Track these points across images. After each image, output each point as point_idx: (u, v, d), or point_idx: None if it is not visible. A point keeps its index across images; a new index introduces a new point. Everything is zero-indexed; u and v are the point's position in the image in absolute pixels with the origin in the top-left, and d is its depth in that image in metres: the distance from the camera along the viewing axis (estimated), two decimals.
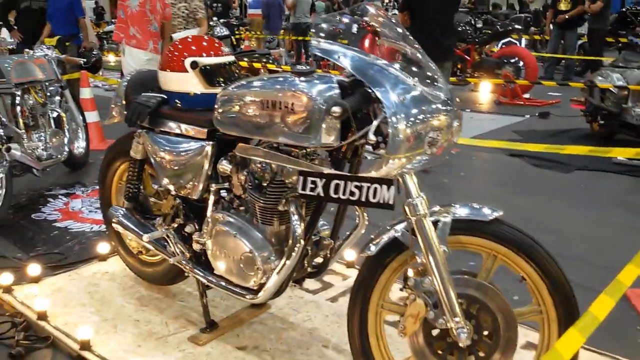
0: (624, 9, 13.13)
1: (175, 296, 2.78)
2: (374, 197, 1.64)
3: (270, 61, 7.99)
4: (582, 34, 10.66)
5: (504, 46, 9.79)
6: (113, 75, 9.27)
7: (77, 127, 4.91)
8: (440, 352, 1.83)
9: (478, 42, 8.93)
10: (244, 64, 7.19)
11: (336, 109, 1.61)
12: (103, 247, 3.14)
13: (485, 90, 8.63)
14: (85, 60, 5.50)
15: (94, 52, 6.24)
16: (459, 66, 8.83)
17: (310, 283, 2.77)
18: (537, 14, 14.90)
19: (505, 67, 8.47)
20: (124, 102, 2.53)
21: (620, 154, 3.11)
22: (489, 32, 9.43)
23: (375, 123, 1.63)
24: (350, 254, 2.98)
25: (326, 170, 1.78)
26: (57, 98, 4.61)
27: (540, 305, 1.78)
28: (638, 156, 3.03)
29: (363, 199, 1.66)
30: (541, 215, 4.01)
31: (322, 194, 1.71)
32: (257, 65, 7.11)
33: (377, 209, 1.64)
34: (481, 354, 1.80)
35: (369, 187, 1.64)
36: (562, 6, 9.56)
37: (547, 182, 4.87)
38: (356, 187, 1.66)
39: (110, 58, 12.37)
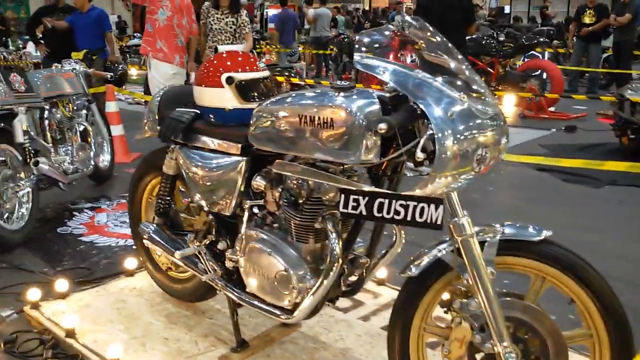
0: None
1: (204, 313, 2.73)
2: (421, 216, 1.58)
3: (293, 74, 8.01)
4: (605, 47, 10.52)
5: (527, 59, 9.70)
6: (136, 89, 9.32)
7: (102, 140, 4.93)
8: None
9: (502, 55, 8.85)
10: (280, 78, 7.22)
11: (382, 126, 1.55)
12: (130, 262, 3.10)
13: (509, 104, 8.53)
14: (111, 74, 5.54)
15: (120, 66, 6.28)
16: (483, 79, 8.72)
17: (340, 301, 2.70)
18: (559, 27, 14.80)
19: (530, 81, 8.36)
20: (156, 117, 2.50)
21: None
22: (512, 45, 9.34)
23: (422, 140, 1.57)
24: (381, 271, 2.91)
25: (368, 188, 1.72)
26: (84, 112, 4.63)
27: (591, 328, 1.70)
28: None
29: (409, 218, 1.59)
30: (575, 231, 3.91)
31: (364, 213, 1.65)
32: (280, 78, 7.11)
33: (422, 228, 1.58)
34: None
35: (415, 206, 1.58)
36: (587, 19, 9.45)
37: (578, 197, 4.76)
38: (401, 205, 1.60)
39: (133, 72, 12.48)
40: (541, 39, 9.31)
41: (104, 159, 4.96)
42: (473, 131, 1.59)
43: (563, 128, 7.35)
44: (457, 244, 1.69)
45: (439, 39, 1.78)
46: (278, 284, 2.01)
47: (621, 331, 1.66)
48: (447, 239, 1.77)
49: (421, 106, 1.59)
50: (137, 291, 2.94)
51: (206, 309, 2.76)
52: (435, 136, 1.55)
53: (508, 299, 1.74)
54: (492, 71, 8.65)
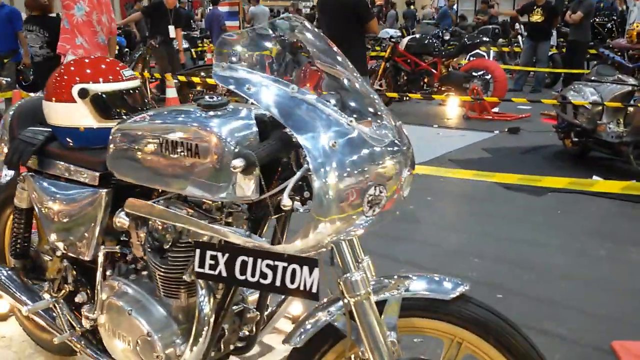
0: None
1: None
2: (292, 282, 1.20)
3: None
4: (552, 45, 10.43)
5: (472, 59, 9.49)
6: None
7: None
8: None
9: (445, 55, 8.60)
10: (196, 79, 6.75)
11: (237, 163, 1.17)
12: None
13: (453, 105, 8.30)
14: (7, 79, 4.99)
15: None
16: (425, 80, 8.49)
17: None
18: (505, 26, 14.74)
19: (474, 81, 8.13)
20: (7, 137, 2.05)
21: (603, 188, 2.70)
22: (457, 44, 9.12)
23: (294, 178, 1.19)
24: (296, 307, 2.53)
25: (235, 238, 1.32)
26: None
27: None
28: (624, 191, 2.62)
29: (278, 283, 1.21)
30: (516, 246, 3.63)
31: (224, 274, 1.26)
32: (196, 79, 6.67)
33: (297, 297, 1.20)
34: None
35: (285, 269, 1.19)
36: (535, 17, 9.33)
37: (519, 207, 4.50)
38: (268, 267, 1.21)
39: None
40: (485, 38, 9.10)
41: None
42: (363, 164, 1.22)
43: (506, 130, 7.14)
44: (350, 306, 1.32)
45: (331, 46, 1.41)
46: (141, 350, 1.60)
47: None
48: (340, 297, 1.41)
49: (294, 133, 1.21)
50: (7, 340, 2.48)
51: None
52: (312, 172, 1.17)
53: None
54: (434, 72, 8.40)
